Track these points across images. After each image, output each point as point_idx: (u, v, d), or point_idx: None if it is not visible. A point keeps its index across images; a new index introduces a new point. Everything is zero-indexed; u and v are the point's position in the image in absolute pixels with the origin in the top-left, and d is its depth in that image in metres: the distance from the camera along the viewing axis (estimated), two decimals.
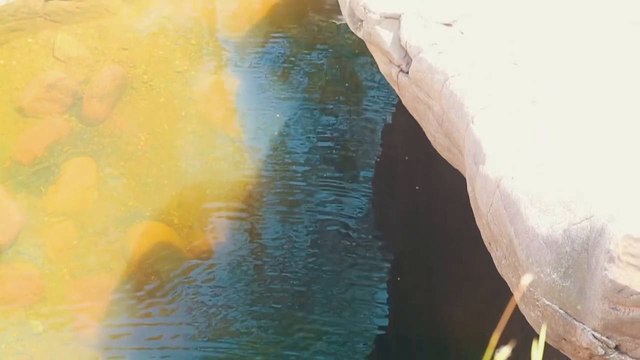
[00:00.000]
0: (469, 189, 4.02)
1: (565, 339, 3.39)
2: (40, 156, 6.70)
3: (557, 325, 3.37)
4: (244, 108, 7.25)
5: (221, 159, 6.82)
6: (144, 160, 6.75)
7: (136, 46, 7.51)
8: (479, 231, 4.00)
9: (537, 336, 1.93)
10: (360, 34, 4.98)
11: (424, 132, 4.78)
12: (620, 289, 3.07)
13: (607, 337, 3.22)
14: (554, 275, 3.30)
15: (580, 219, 3.27)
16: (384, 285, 6.16)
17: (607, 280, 3.09)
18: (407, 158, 6.80)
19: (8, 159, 6.66)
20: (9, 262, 6.14)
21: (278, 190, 6.65)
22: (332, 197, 6.58)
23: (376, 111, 7.21)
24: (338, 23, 7.85)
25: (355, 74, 7.63)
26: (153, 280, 6.06)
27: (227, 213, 6.50)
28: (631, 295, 3.06)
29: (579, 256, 3.24)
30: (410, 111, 4.83)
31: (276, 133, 7.01)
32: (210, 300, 5.98)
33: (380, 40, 4.68)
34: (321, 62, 7.69)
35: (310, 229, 6.42)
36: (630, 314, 3.11)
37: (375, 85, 7.41)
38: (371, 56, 5.17)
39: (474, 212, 4.02)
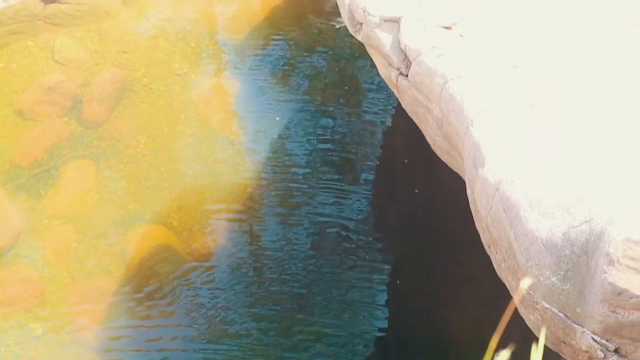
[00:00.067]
0: (468, 192, 4.02)
1: (564, 342, 3.39)
2: (40, 159, 6.70)
3: (556, 329, 3.37)
4: (244, 111, 7.26)
5: (221, 161, 6.82)
6: (143, 163, 6.76)
7: (136, 49, 7.52)
8: (479, 234, 4.00)
9: (537, 339, 1.93)
10: (359, 37, 4.98)
11: (423, 135, 4.78)
12: (620, 292, 3.07)
13: (607, 340, 3.22)
14: (554, 278, 3.30)
15: (580, 222, 3.27)
16: (384, 287, 6.16)
17: (606, 283, 3.09)
18: (406, 161, 6.81)
19: (8, 162, 6.66)
20: (8, 265, 6.13)
21: (277, 192, 6.65)
22: (332, 200, 6.58)
23: (375, 114, 7.21)
24: (337, 26, 7.86)
25: (354, 76, 7.63)
26: (152, 283, 6.06)
27: (226, 216, 6.50)
28: (630, 298, 3.06)
29: (578, 259, 3.24)
30: (410, 114, 4.83)
31: (276, 136, 7.01)
32: (209, 302, 5.98)
33: (380, 43, 4.69)
34: (321, 64, 7.69)
35: (310, 231, 6.42)
36: (630, 317, 3.11)
37: (375, 88, 7.41)
38: (371, 59, 5.18)
39: (473, 215, 4.02)
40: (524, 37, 4.32)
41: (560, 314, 3.33)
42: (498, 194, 3.57)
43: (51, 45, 7.42)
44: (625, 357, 3.24)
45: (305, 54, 7.75)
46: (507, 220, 3.52)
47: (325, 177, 6.72)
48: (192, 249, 6.27)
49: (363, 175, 6.80)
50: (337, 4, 5.44)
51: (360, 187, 6.70)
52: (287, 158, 6.88)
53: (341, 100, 7.32)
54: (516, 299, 3.50)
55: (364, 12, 4.76)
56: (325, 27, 7.94)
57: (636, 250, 3.06)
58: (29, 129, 6.88)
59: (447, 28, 4.45)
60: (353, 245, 6.33)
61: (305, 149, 6.95)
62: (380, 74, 5.01)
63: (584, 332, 3.26)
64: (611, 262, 3.08)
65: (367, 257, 6.26)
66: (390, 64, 4.70)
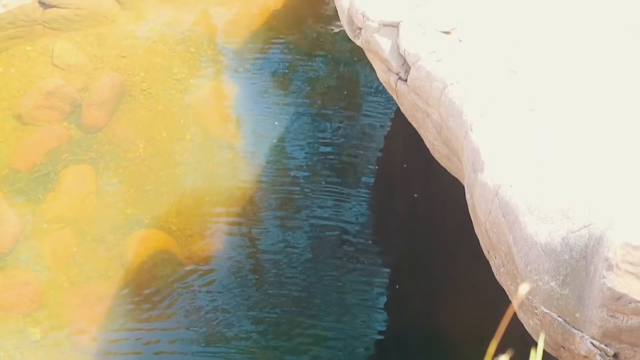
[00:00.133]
0: (467, 196, 4.02)
1: (563, 347, 3.39)
2: (39, 164, 6.70)
3: (555, 333, 3.37)
4: (243, 115, 7.26)
5: (220, 166, 6.82)
6: (142, 167, 6.76)
7: (135, 54, 7.52)
8: (478, 239, 4.00)
9: (536, 344, 1.93)
10: (358, 42, 4.98)
11: (422, 140, 4.78)
12: (619, 297, 3.07)
13: (606, 345, 3.22)
14: (553, 283, 3.30)
15: (579, 227, 3.27)
16: (383, 291, 6.16)
17: (605, 288, 3.09)
18: (405, 165, 6.81)
19: (7, 167, 6.66)
20: (7, 270, 6.13)
21: (276, 196, 6.65)
22: (331, 204, 6.58)
23: (375, 118, 7.21)
24: (337, 30, 7.87)
25: (353, 81, 7.63)
26: (151, 288, 6.05)
27: (225, 220, 6.50)
28: (629, 303, 3.06)
29: (577, 264, 3.24)
30: (409, 119, 4.83)
31: (275, 140, 7.01)
32: (208, 306, 5.98)
33: (379, 48, 4.69)
34: (320, 69, 7.70)
35: (309, 235, 6.42)
36: (629, 321, 3.11)
37: (374, 92, 7.42)
38: (370, 63, 5.18)
39: (472, 219, 4.02)
40: (523, 42, 4.32)
41: (559, 318, 3.33)
42: (497, 198, 3.57)
43: (50, 49, 7.42)
44: None
45: (304, 58, 7.75)
46: (506, 225, 3.52)
47: (324, 181, 6.72)
48: (191, 253, 6.27)
49: (362, 180, 6.80)
50: (336, 9, 5.44)
51: (360, 191, 6.71)
52: (286, 162, 6.88)
53: (340, 105, 7.33)
54: (515, 304, 3.49)
55: (363, 16, 4.77)
56: (324, 31, 7.95)
57: (635, 255, 3.06)
58: (28, 134, 6.88)
59: (446, 33, 4.45)
60: (352, 249, 6.33)
61: (304, 153, 6.95)
62: (379, 78, 5.01)
63: (583, 336, 3.26)
64: (610, 267, 3.08)
65: (366, 261, 6.26)
66: (389, 69, 4.70)
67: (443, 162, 4.64)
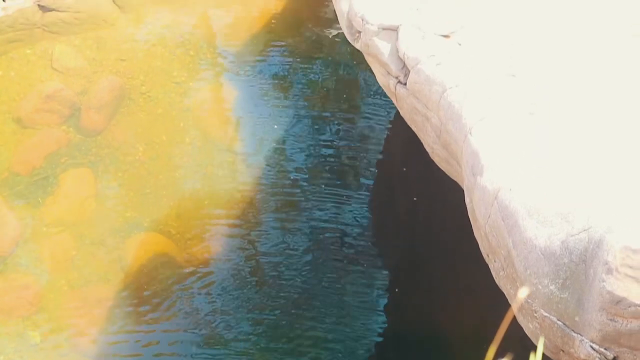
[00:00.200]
0: (467, 200, 4.03)
1: (563, 351, 3.39)
2: (39, 167, 6.70)
3: (555, 337, 3.37)
4: (242, 118, 7.26)
5: (219, 169, 6.82)
6: (142, 171, 6.76)
7: (134, 57, 7.53)
8: (477, 242, 4.00)
9: (535, 348, 1.93)
10: (358, 45, 4.99)
11: (422, 144, 4.79)
12: (618, 301, 3.07)
13: (605, 349, 3.22)
14: (552, 287, 3.30)
15: (578, 231, 3.27)
16: (382, 293, 6.16)
17: (605, 292, 3.09)
18: (405, 169, 6.81)
19: (6, 170, 6.66)
20: (6, 273, 6.13)
21: (276, 199, 6.65)
22: (331, 206, 6.58)
23: (374, 122, 7.22)
24: (336, 33, 7.87)
25: (353, 84, 7.64)
26: (151, 291, 6.05)
27: (225, 222, 6.50)
28: (629, 306, 3.06)
29: (576, 268, 3.25)
30: (408, 122, 4.83)
31: (274, 143, 7.02)
32: (207, 309, 5.98)
33: (378, 51, 4.69)
34: (319, 72, 7.70)
35: (309, 237, 6.42)
36: (628, 325, 3.11)
37: (373, 95, 7.42)
38: (369, 67, 5.18)
39: (472, 223, 4.02)
40: (522, 46, 4.32)
41: (558, 322, 3.33)
42: (496, 202, 3.57)
43: (49, 53, 7.43)
44: None
45: (304, 61, 7.76)
46: (505, 229, 3.52)
47: (324, 184, 6.72)
48: (190, 256, 6.27)
49: (362, 182, 6.80)
50: (335, 12, 5.44)
51: (359, 194, 6.71)
52: (285, 165, 6.88)
53: (339, 108, 7.33)
54: (515, 307, 3.50)
55: (362, 20, 4.77)
56: (323, 34, 7.95)
57: (634, 259, 3.06)
58: (27, 137, 6.88)
59: (446, 37, 4.45)
60: (352, 252, 6.34)
61: (304, 156, 6.95)
62: (379, 82, 5.01)
63: (583, 340, 3.26)
64: (609, 271, 3.08)
65: (366, 263, 6.27)
66: (388, 72, 4.70)
67: (442, 166, 4.64)
